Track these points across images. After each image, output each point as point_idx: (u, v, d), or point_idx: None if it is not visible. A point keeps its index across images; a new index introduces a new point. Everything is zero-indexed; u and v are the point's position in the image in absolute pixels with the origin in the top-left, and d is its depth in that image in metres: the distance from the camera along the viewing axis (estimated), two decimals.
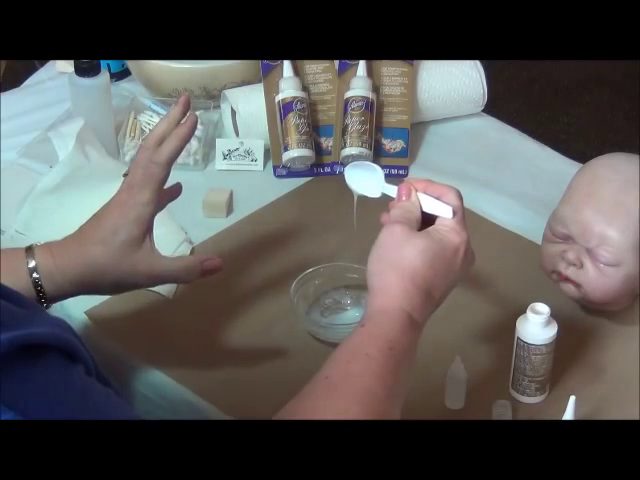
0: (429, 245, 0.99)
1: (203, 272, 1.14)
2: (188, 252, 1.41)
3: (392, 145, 1.60)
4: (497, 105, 1.76)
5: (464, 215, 1.03)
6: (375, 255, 1.01)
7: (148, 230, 1.11)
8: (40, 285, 1.08)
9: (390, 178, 1.63)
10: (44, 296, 1.09)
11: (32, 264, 1.08)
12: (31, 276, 1.08)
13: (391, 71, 1.60)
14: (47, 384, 0.74)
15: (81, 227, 1.13)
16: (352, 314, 1.31)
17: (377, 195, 1.10)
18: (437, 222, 1.03)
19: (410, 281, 0.98)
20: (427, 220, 1.04)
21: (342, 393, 0.90)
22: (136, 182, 1.10)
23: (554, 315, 1.17)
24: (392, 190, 1.08)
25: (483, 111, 1.71)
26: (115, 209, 1.11)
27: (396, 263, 0.99)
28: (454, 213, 1.02)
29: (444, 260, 1.00)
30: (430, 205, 1.04)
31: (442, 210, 1.03)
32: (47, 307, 1.11)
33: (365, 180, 1.12)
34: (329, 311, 1.32)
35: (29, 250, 1.10)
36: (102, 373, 0.85)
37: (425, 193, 1.05)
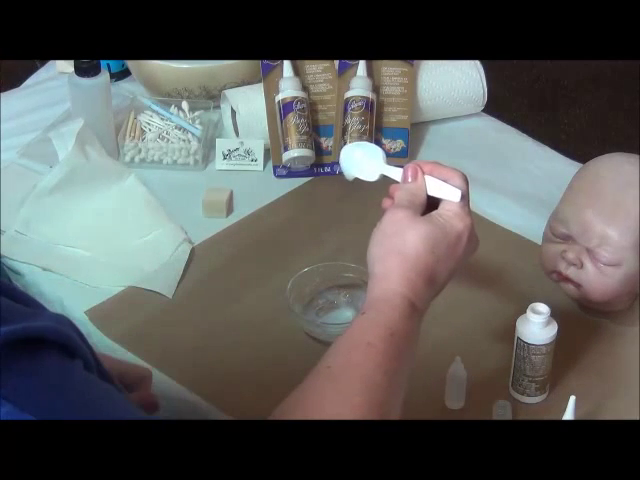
0: (432, 231, 0.98)
1: None
2: (188, 252, 1.41)
3: (392, 145, 1.59)
4: (497, 105, 1.76)
5: (469, 200, 1.02)
6: (377, 240, 1.00)
7: None
8: None
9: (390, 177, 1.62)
10: None
11: None
12: None
13: (391, 71, 1.60)
14: (45, 378, 0.73)
15: None
16: (345, 314, 1.31)
17: (374, 178, 1.06)
18: (440, 207, 1.01)
19: (412, 267, 0.97)
20: (430, 203, 1.02)
21: (344, 383, 0.89)
22: None
23: (554, 315, 1.17)
24: (393, 172, 1.05)
25: (483, 111, 1.71)
26: None
27: (398, 249, 0.98)
28: (462, 197, 1.01)
29: (446, 246, 0.98)
30: (436, 188, 1.01)
31: (449, 193, 1.00)
32: None
33: (362, 162, 1.07)
34: (323, 311, 1.32)
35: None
36: (105, 370, 0.85)
37: (432, 176, 1.03)
